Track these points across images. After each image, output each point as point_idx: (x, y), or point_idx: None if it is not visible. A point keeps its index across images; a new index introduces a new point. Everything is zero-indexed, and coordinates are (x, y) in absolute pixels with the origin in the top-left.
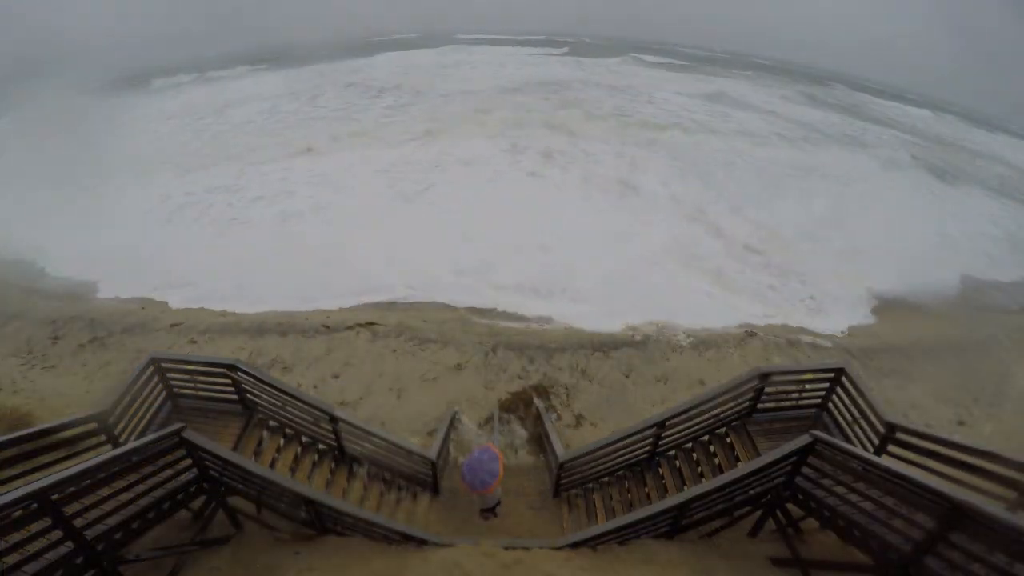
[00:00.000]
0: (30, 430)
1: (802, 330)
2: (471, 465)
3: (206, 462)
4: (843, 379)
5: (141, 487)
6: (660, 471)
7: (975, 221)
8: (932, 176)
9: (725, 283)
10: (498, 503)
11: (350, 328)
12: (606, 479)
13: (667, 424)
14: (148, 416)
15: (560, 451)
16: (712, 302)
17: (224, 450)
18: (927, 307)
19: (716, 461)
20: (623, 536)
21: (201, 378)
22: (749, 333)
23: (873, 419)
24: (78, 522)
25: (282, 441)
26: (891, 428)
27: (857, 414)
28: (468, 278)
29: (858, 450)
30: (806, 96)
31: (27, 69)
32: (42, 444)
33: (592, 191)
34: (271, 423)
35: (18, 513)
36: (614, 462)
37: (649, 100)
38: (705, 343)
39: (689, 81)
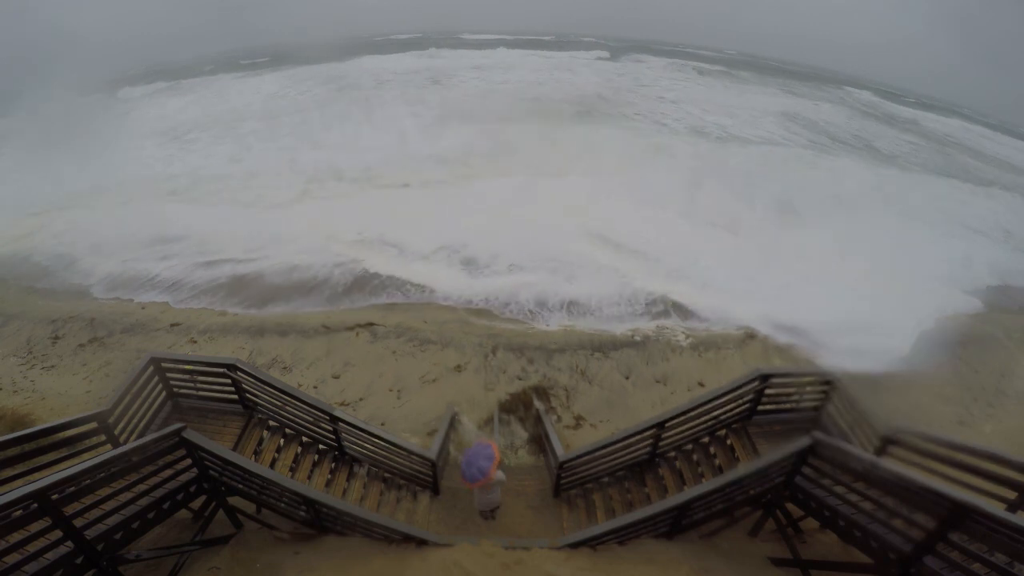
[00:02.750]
0: (30, 430)
1: None
2: (467, 458)
3: (206, 462)
4: (843, 381)
5: (141, 487)
6: (660, 472)
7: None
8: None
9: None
10: (497, 507)
11: (350, 328)
12: (606, 479)
13: (667, 425)
14: (148, 416)
15: (560, 451)
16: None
17: (224, 450)
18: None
19: (716, 462)
20: (623, 536)
21: (201, 378)
22: (749, 335)
23: (873, 420)
24: (78, 522)
25: (282, 441)
26: (891, 428)
27: (857, 415)
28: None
29: (858, 451)
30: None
31: (30, 69)
32: (42, 444)
33: None
34: (271, 423)
35: (18, 513)
36: (614, 462)
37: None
38: (705, 344)
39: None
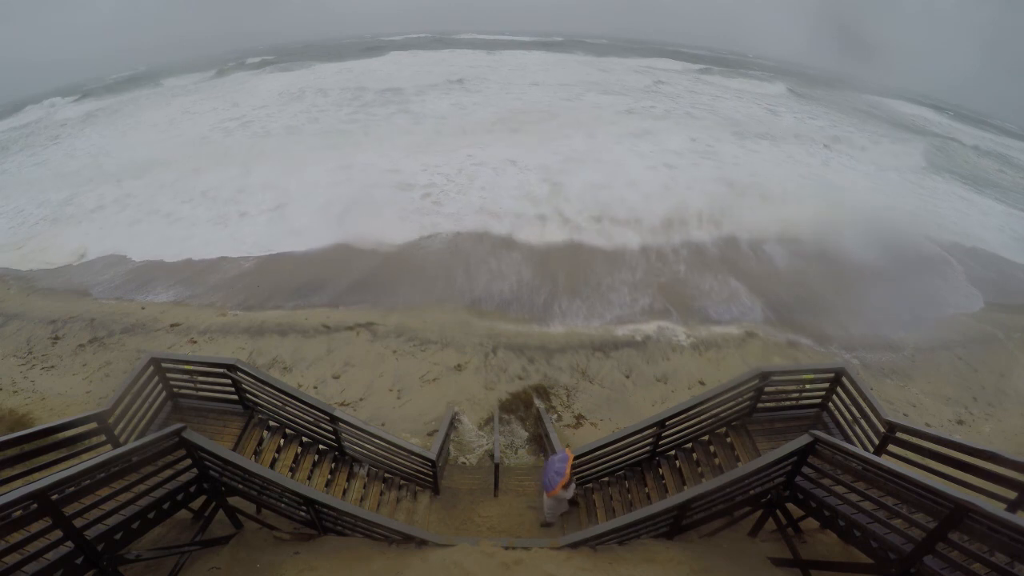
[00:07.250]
0: (30, 430)
1: None
2: (546, 465)
3: (206, 462)
4: (843, 379)
5: (141, 487)
6: (660, 471)
7: None
8: None
9: None
10: (563, 513)
11: (350, 328)
12: (606, 479)
13: (667, 424)
14: (148, 416)
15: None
16: None
17: (224, 450)
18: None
19: (716, 461)
20: (623, 536)
21: (201, 378)
22: (749, 333)
23: (873, 419)
24: (78, 522)
25: (282, 441)
26: (891, 428)
27: (857, 414)
28: None
29: (858, 450)
30: None
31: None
32: (42, 444)
33: None
34: (271, 423)
35: (18, 513)
36: (614, 462)
37: None
38: (705, 343)
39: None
